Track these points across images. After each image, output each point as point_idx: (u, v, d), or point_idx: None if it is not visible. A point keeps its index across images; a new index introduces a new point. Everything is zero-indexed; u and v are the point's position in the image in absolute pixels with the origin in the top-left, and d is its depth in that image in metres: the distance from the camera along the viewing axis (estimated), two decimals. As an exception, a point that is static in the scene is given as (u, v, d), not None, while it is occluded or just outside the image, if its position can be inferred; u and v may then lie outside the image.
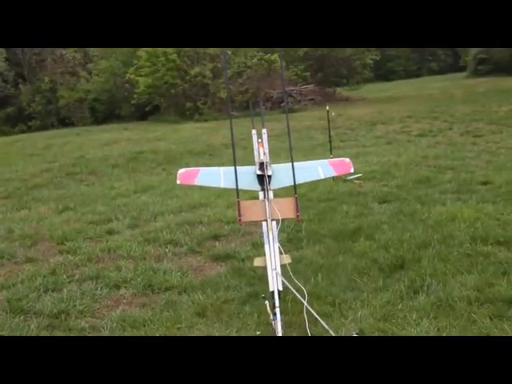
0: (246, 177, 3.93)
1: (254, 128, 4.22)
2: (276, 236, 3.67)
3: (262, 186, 3.84)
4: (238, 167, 3.88)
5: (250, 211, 3.83)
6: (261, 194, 3.85)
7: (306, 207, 6.82)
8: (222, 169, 4.11)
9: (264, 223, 3.74)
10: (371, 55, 34.07)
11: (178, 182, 4.06)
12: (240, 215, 3.77)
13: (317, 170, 4.11)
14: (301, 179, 3.99)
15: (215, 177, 4.07)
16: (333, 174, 4.35)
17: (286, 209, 3.82)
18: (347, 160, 4.20)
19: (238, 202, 3.76)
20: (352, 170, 4.19)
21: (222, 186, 4.03)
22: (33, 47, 30.99)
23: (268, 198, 3.78)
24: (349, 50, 32.65)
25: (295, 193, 3.81)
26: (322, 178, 4.19)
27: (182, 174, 4.07)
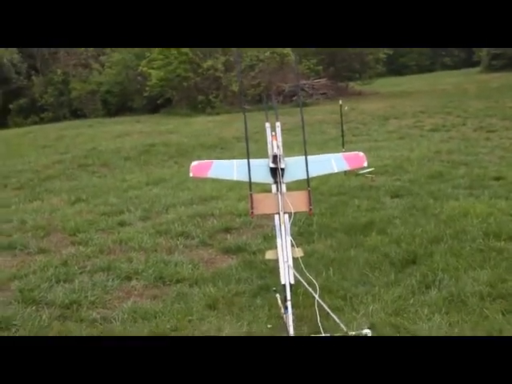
0: (259, 170, 3.92)
1: (267, 121, 4.21)
2: (288, 229, 3.67)
3: (275, 179, 3.83)
4: (251, 160, 3.87)
5: (263, 204, 3.82)
6: (273, 187, 3.84)
7: (317, 201, 6.78)
8: (235, 161, 4.10)
9: (276, 216, 3.73)
10: (384, 50, 33.85)
11: (191, 174, 4.06)
12: (252, 208, 3.76)
13: (330, 163, 4.09)
14: (314, 172, 3.97)
15: (228, 169, 4.06)
16: (346, 167, 4.33)
17: (298, 202, 3.81)
18: (361, 154, 4.18)
19: (251, 194, 3.76)
20: (365, 164, 4.17)
21: (235, 178, 4.02)
22: (34, 47, 31.16)
23: (281, 191, 3.77)
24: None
25: (308, 186, 3.80)
26: (336, 171, 4.18)
27: (195, 167, 4.07)
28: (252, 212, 3.79)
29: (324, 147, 11.25)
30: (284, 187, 3.81)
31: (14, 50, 33.97)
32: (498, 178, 7.57)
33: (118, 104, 32.63)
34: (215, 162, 4.17)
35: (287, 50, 27.22)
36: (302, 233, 5.77)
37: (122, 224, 6.69)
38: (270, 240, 5.48)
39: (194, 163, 4.09)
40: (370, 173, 8.34)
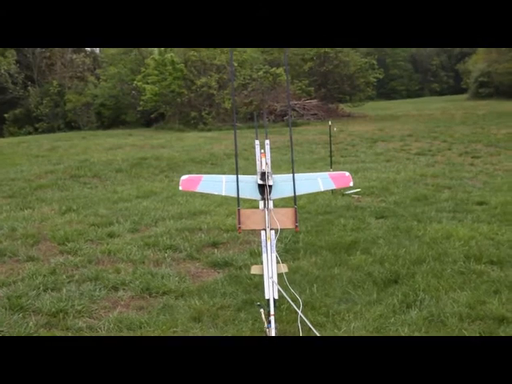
0: (248, 186, 4.01)
1: (257, 139, 4.31)
2: (274, 245, 3.75)
3: (263, 195, 3.92)
4: (239, 176, 3.96)
5: (250, 220, 3.90)
6: (261, 204, 3.92)
7: (304, 219, 6.92)
8: (224, 177, 4.19)
9: (263, 232, 3.81)
10: (375, 74, 34.39)
11: (181, 188, 4.15)
12: (240, 223, 3.84)
13: (317, 181, 4.19)
14: (301, 190, 4.06)
15: (217, 184, 4.15)
16: (332, 186, 4.41)
17: (285, 219, 3.89)
18: (347, 174, 4.29)
19: (239, 210, 3.84)
20: (351, 184, 4.27)
21: (224, 193, 4.10)
22: (33, 47, 31.14)
23: (268, 208, 3.86)
24: (353, 68, 32.95)
25: (295, 203, 3.89)
26: (322, 190, 4.27)
27: (185, 181, 4.16)
28: (239, 227, 3.87)
29: (312, 167, 11.42)
30: (271, 204, 3.91)
31: (12, 60, 34.11)
32: (481, 203, 7.73)
33: (112, 117, 32.75)
34: (204, 176, 4.25)
35: (280, 70, 27.54)
36: (288, 250, 5.87)
37: (111, 235, 6.75)
38: (256, 256, 5.58)
39: (184, 177, 4.18)
40: (356, 193, 8.49)
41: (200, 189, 4.16)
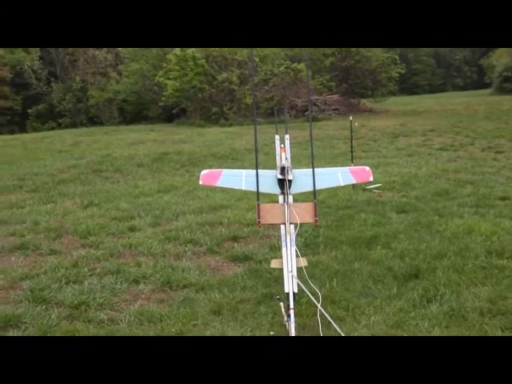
0: (267, 180, 4.02)
1: (277, 133, 4.32)
2: (294, 239, 3.75)
3: (283, 189, 3.92)
4: (259, 170, 3.97)
5: (270, 214, 3.91)
6: (281, 198, 3.93)
7: (324, 213, 6.91)
8: (244, 171, 4.20)
9: (282, 226, 3.82)
10: (397, 68, 34.07)
11: (201, 182, 4.17)
12: (259, 217, 3.85)
13: (337, 176, 4.17)
14: (321, 185, 4.05)
15: (237, 179, 4.16)
16: (352, 181, 4.40)
17: (304, 213, 3.90)
18: (367, 168, 4.27)
19: (258, 204, 3.85)
20: (371, 179, 4.25)
21: (244, 188, 4.12)
22: (42, 47, 31.45)
23: (288, 202, 3.87)
24: (375, 63, 32.69)
25: (314, 198, 3.89)
26: (342, 184, 4.26)
27: (205, 175, 4.18)
28: (259, 221, 3.88)
29: (333, 161, 11.38)
30: (291, 198, 3.91)
31: (35, 56, 34.62)
32: (503, 198, 7.63)
33: (134, 112, 33.05)
34: (225, 171, 4.27)
35: (301, 65, 27.46)
36: (308, 244, 5.87)
37: (132, 229, 6.82)
38: (276, 250, 5.59)
39: (204, 172, 4.20)
40: (377, 188, 8.44)
41: (220, 183, 4.18)
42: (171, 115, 29.56)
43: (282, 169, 3.95)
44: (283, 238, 3.77)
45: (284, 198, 3.89)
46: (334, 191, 7.97)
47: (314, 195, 3.93)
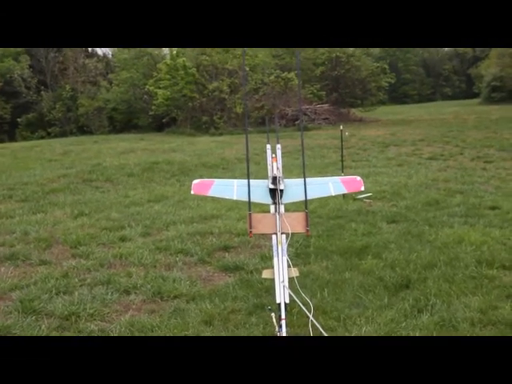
0: (259, 190, 4.02)
1: (268, 143, 4.33)
2: (285, 249, 3.75)
3: (274, 199, 3.93)
4: (251, 180, 3.97)
5: (261, 224, 3.91)
6: (272, 208, 3.94)
7: (315, 223, 6.92)
8: (235, 181, 4.21)
9: (274, 236, 3.82)
10: (386, 78, 34.34)
11: (193, 192, 4.17)
12: (251, 227, 3.85)
13: (328, 186, 4.19)
14: (312, 195, 4.06)
15: (228, 189, 4.16)
16: (343, 191, 4.41)
17: (296, 223, 3.90)
18: (358, 178, 4.28)
19: (250, 214, 3.85)
20: (363, 188, 4.26)
21: (235, 198, 4.12)
22: (36, 47, 31.32)
23: (279, 212, 3.87)
24: (364, 72, 32.92)
25: (306, 208, 3.90)
26: (333, 194, 4.27)
27: (197, 185, 4.18)
28: (250, 231, 3.88)
29: (323, 171, 11.41)
30: (282, 208, 3.91)
31: (25, 65, 34.52)
32: (493, 208, 7.69)
33: (124, 121, 33.01)
34: (216, 180, 4.27)
35: (291, 75, 27.60)
36: (299, 254, 5.87)
37: (122, 239, 6.80)
38: (267, 260, 5.59)
39: (196, 181, 4.20)
40: (367, 198, 8.47)
41: (211, 193, 4.18)
42: (161, 124, 29.55)
43: (274, 178, 3.95)
44: (274, 248, 3.77)
45: (275, 208, 3.90)
46: (324, 201, 7.99)
47: (305, 205, 3.93)
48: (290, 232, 3.80)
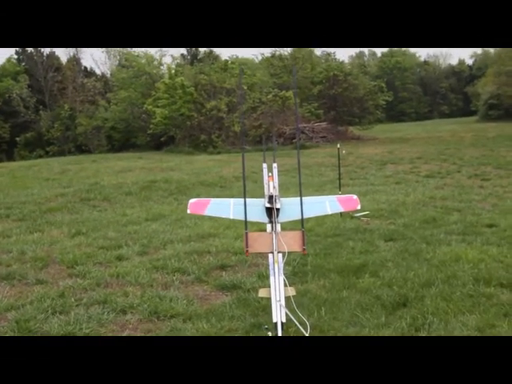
0: (255, 209, 4.03)
1: (264, 162, 4.34)
2: (282, 268, 3.74)
3: (270, 218, 3.94)
4: (247, 199, 3.98)
5: (258, 243, 3.91)
6: (268, 227, 3.94)
7: (312, 242, 6.91)
8: (232, 200, 4.22)
9: (270, 255, 3.82)
10: (384, 96, 34.59)
11: (189, 211, 4.17)
12: (247, 246, 3.85)
13: (324, 205, 4.20)
14: (308, 213, 4.07)
15: (225, 208, 4.17)
16: (340, 209, 4.43)
17: (292, 242, 3.90)
18: (354, 197, 4.29)
19: (246, 233, 3.86)
20: (359, 207, 4.27)
21: (231, 217, 4.12)
22: (34, 47, 31.46)
23: (275, 231, 3.87)
24: (362, 91, 33.16)
25: (302, 226, 3.90)
26: (329, 213, 4.28)
27: (193, 204, 4.19)
28: (247, 250, 3.88)
29: (321, 189, 11.45)
30: (279, 227, 3.92)
31: (24, 84, 34.75)
32: (490, 226, 7.69)
33: (122, 140, 33.17)
34: (212, 200, 4.28)
35: (289, 93, 27.78)
36: (296, 272, 5.85)
37: (119, 258, 6.78)
38: (264, 279, 5.57)
39: (192, 200, 4.21)
40: (365, 216, 8.48)
41: (208, 212, 4.18)
42: (160, 143, 29.68)
43: (270, 197, 3.96)
44: (271, 267, 3.77)
45: (272, 227, 3.90)
46: (322, 219, 7.99)
47: (301, 224, 3.94)
48: (286, 251, 3.80)
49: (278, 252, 3.79)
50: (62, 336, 4.11)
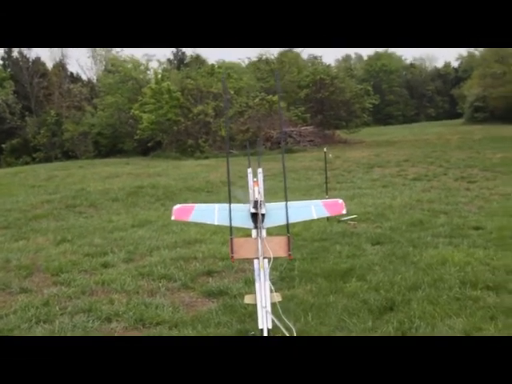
0: (240, 214, 4.00)
1: (249, 167, 4.31)
2: (267, 274, 3.72)
3: (256, 224, 3.91)
4: (232, 205, 3.95)
5: (243, 248, 3.88)
6: (254, 232, 3.91)
7: (299, 246, 6.89)
8: (216, 205, 4.18)
9: (256, 261, 3.79)
10: (370, 99, 34.75)
11: (173, 217, 4.13)
12: (232, 252, 3.83)
13: (310, 209, 4.18)
14: (294, 218, 4.04)
15: (209, 214, 4.13)
16: (326, 214, 4.39)
17: (278, 247, 3.88)
18: (340, 201, 4.27)
19: (231, 238, 3.83)
20: (344, 211, 4.25)
21: (216, 223, 4.08)
22: (32, 47, 31.28)
23: (261, 236, 3.85)
24: (348, 94, 33.29)
25: (288, 232, 3.88)
26: (315, 217, 4.25)
27: (177, 210, 4.14)
28: (232, 256, 3.85)
29: (308, 193, 11.45)
30: (264, 232, 3.89)
31: (10, 90, 34.50)
32: (477, 228, 7.72)
33: (109, 146, 33.01)
34: (197, 205, 4.23)
35: (276, 98, 27.82)
36: (283, 277, 5.83)
37: (105, 265, 6.71)
38: (251, 284, 5.52)
39: (177, 206, 4.16)
40: (352, 219, 8.48)
41: (192, 218, 4.14)
42: (147, 148, 29.56)
43: (255, 202, 3.94)
44: (256, 273, 3.74)
45: (257, 232, 3.87)
46: (308, 223, 7.97)
47: (287, 229, 3.92)
48: (271, 257, 3.78)
49: (264, 257, 3.77)
50: (60, 336, 4.05)
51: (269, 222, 3.96)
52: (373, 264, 6.14)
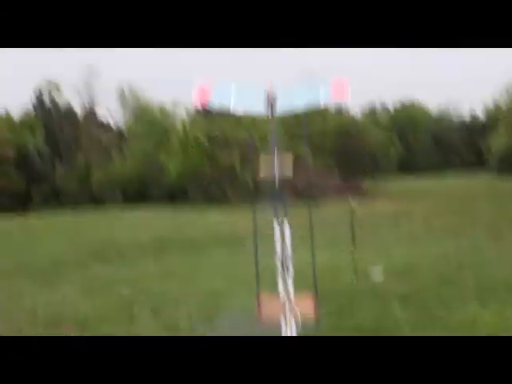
0: None
1: (275, 217, 4.29)
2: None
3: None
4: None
5: (270, 307, 3.89)
6: (281, 291, 3.90)
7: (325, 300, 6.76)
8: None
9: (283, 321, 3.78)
10: (395, 149, 34.73)
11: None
12: (260, 310, 3.84)
13: None
14: None
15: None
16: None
17: (304, 306, 3.87)
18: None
19: (259, 295, 3.84)
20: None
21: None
22: (37, 47, 31.90)
23: (288, 296, 3.84)
24: (374, 145, 33.28)
25: (315, 292, 3.86)
26: None
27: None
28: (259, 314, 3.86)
29: (334, 247, 11.31)
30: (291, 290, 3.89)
31: (39, 136, 35.29)
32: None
33: (137, 192, 33.37)
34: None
35: (301, 149, 27.91)
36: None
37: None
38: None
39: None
40: (378, 273, 8.36)
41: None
42: (174, 195, 29.85)
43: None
44: (283, 330, 3.73)
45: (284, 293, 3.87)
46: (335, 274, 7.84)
47: (315, 288, 3.90)
48: (299, 316, 3.77)
49: (291, 317, 3.75)
50: (60, 336, 4.00)
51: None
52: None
